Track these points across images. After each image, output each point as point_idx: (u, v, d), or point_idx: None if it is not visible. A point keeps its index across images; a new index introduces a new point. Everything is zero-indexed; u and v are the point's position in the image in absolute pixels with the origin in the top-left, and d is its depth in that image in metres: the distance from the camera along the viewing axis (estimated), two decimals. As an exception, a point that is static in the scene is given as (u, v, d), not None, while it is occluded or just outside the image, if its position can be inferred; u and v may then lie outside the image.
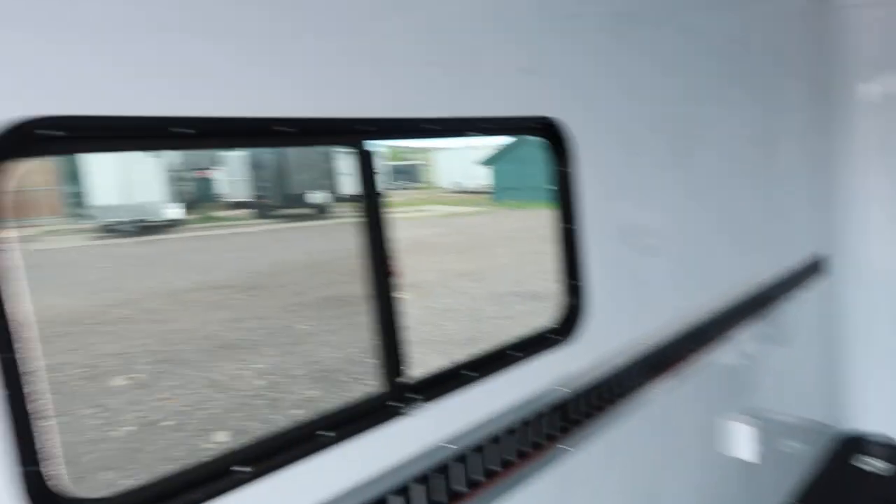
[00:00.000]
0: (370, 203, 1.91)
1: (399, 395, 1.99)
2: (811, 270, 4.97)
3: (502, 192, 23.44)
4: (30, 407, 1.25)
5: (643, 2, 3.05)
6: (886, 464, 5.21)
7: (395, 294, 1.99)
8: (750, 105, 4.13)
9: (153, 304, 11.98)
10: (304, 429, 1.77)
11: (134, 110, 1.41)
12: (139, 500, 1.44)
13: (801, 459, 4.91)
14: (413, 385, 2.03)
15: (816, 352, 5.30)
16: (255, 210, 20.43)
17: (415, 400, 2.01)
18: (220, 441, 7.09)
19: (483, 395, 2.23)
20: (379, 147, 1.90)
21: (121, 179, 17.54)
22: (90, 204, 17.60)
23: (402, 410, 1.98)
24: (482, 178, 25.62)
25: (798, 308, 4.70)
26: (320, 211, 20.09)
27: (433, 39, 2.12)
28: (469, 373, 2.20)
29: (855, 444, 5.52)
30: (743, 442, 3.71)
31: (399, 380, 1.99)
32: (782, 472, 4.60)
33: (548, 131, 2.49)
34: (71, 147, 1.40)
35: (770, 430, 4.09)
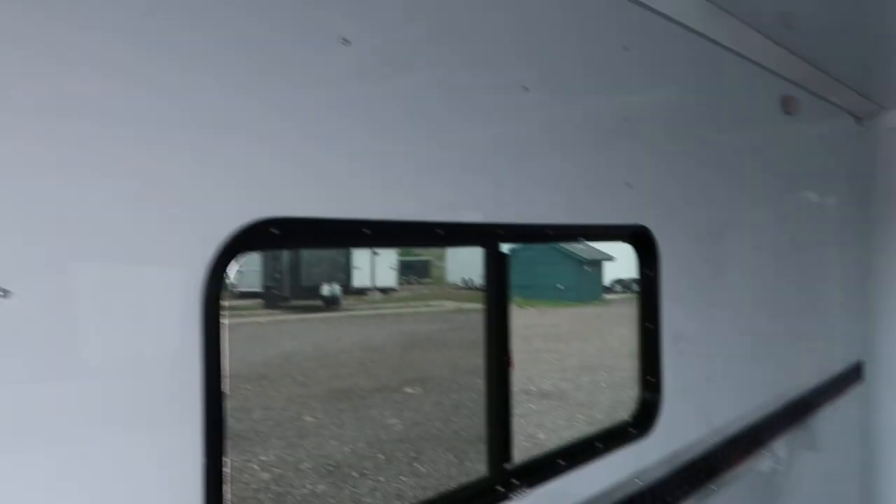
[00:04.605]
0: (499, 297, 2.08)
1: (504, 479, 2.07)
2: (850, 377, 5.05)
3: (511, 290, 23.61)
4: None
5: (713, 123, 3.34)
6: None
7: (508, 385, 2.11)
8: (801, 217, 4.41)
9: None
10: None
11: (328, 213, 1.60)
12: None
13: None
14: (516, 471, 2.11)
15: (853, 459, 5.27)
16: (265, 301, 20.57)
17: (518, 486, 2.09)
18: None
19: (572, 484, 2.31)
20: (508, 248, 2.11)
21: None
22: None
23: (508, 496, 2.05)
24: (490, 275, 25.77)
25: (836, 415, 4.73)
26: (331, 303, 20.22)
27: (555, 154, 2.35)
28: (561, 462, 2.28)
29: None
30: None
31: (505, 465, 2.08)
32: None
33: (638, 238, 2.71)
34: (283, 243, 1.56)
35: None
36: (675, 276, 2.84)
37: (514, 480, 2.07)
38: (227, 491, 1.37)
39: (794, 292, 4.26)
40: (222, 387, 1.37)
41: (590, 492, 2.38)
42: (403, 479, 8.21)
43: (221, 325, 1.39)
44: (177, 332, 1.35)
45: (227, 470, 1.39)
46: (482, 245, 2.05)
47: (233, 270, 1.40)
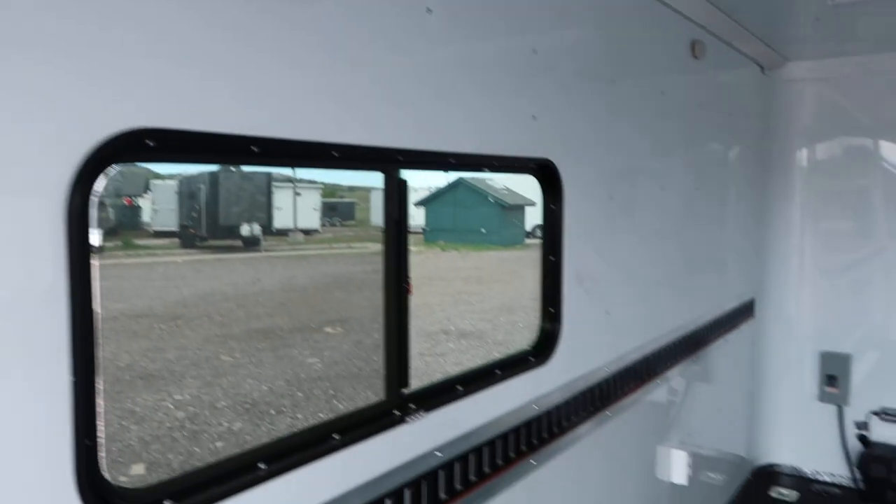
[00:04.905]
0: (398, 226, 2.06)
1: (401, 403, 2.11)
2: (743, 313, 5.38)
3: (434, 234, 23.75)
4: None
5: (623, 63, 3.39)
6: (794, 492, 5.62)
7: (406, 311, 2.12)
8: (703, 164, 4.57)
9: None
10: (318, 431, 1.87)
11: (214, 127, 1.53)
12: (171, 490, 1.48)
13: (723, 488, 5.20)
14: (413, 395, 2.15)
15: (742, 391, 5.67)
16: (182, 240, 19.87)
17: (415, 410, 2.13)
18: (137, 474, 6.79)
19: (470, 409, 2.38)
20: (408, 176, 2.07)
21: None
22: None
23: (404, 419, 2.09)
24: (415, 218, 25.88)
25: (728, 349, 5.05)
26: (251, 244, 19.73)
27: (460, 82, 2.33)
28: (459, 387, 2.34)
29: (769, 474, 5.92)
30: (675, 468, 3.98)
31: (403, 390, 2.12)
32: (707, 498, 4.87)
33: (543, 171, 2.74)
34: (161, 156, 1.49)
35: (698, 460, 4.37)
36: (578, 210, 2.92)
37: (410, 405, 2.11)
38: (100, 428, 1.32)
39: (695, 232, 4.46)
40: (93, 316, 1.30)
41: (488, 416, 2.46)
42: (322, 416, 8.29)
43: (91, 246, 1.31)
44: (38, 254, 1.25)
45: (100, 407, 1.33)
46: (381, 170, 2.03)
47: (100, 185, 1.32)
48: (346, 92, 1.88)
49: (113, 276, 16.70)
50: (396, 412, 2.07)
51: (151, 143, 1.39)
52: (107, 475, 1.33)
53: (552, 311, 2.82)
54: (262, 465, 1.63)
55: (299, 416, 8.37)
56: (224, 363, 10.21)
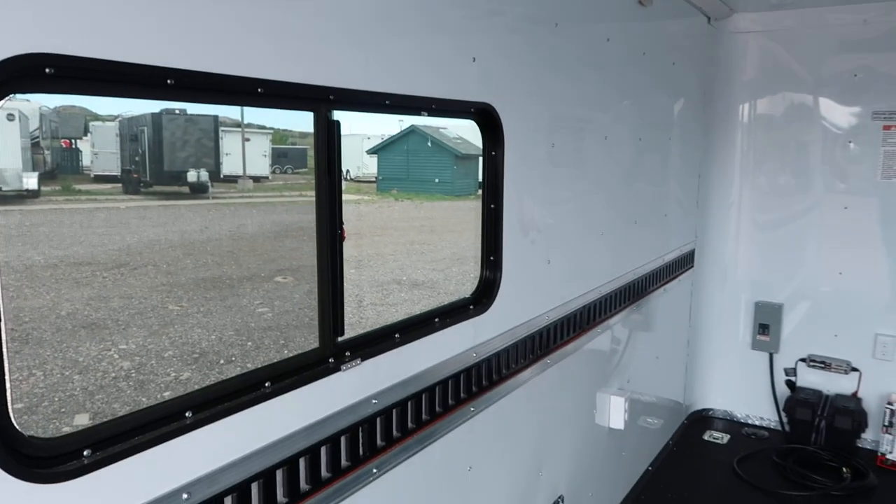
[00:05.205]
0: (329, 167, 1.98)
1: (335, 352, 2.08)
2: (683, 263, 5.52)
3: (387, 183, 23.52)
4: None
5: (567, 12, 3.30)
6: (726, 435, 5.92)
7: (340, 258, 2.07)
8: (646, 114, 4.55)
9: (2, 279, 11.03)
10: (248, 379, 1.82)
11: (124, 57, 1.40)
12: (92, 440, 1.43)
13: (659, 432, 5.43)
14: (348, 343, 2.12)
15: (679, 337, 5.87)
16: (125, 185, 19.22)
17: (350, 358, 2.11)
18: (79, 425, 6.70)
19: (408, 357, 2.38)
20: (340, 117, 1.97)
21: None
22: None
23: (339, 367, 2.06)
24: (368, 167, 25.51)
25: (668, 297, 5.19)
26: (198, 190, 19.22)
27: (399, 18, 2.23)
28: (397, 335, 2.33)
29: (703, 419, 6.20)
30: (614, 414, 4.12)
31: (338, 338, 2.08)
32: (644, 442, 5.07)
33: (483, 116, 2.68)
34: (62, 87, 1.34)
35: (636, 406, 4.52)
36: (520, 158, 2.88)
37: (346, 353, 2.10)
38: (6, 376, 1.27)
39: (638, 183, 4.50)
40: None
41: (426, 364, 2.48)
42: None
43: None
44: None
45: (4, 355, 1.27)
46: (311, 110, 1.94)
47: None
48: (274, 24, 1.77)
49: (52, 221, 16.11)
50: (331, 360, 2.05)
51: (51, 72, 1.28)
52: (16, 425, 1.29)
53: (492, 259, 2.81)
54: (188, 414, 1.61)
55: (249, 365, 8.34)
56: (171, 312, 10.05)
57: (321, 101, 1.93)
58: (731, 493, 5.03)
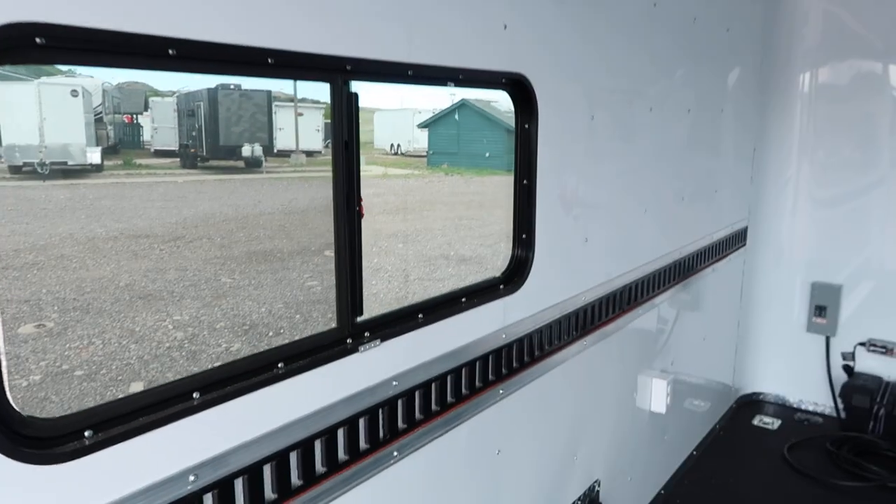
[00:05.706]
0: (347, 141, 1.88)
1: (354, 332, 2.01)
2: (735, 241, 5.28)
3: (437, 157, 23.44)
4: None
5: None
6: (777, 420, 5.69)
7: (359, 236, 1.98)
8: (697, 84, 4.29)
9: (66, 250, 11.48)
10: (260, 360, 1.77)
11: (122, 26, 1.34)
12: (94, 420, 1.41)
13: (706, 415, 5.25)
14: (368, 324, 2.05)
15: (729, 318, 5.65)
16: (182, 160, 19.74)
17: (369, 339, 2.04)
18: (135, 392, 6.94)
19: (432, 338, 2.29)
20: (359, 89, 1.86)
21: (35, 117, 16.53)
22: (-1, 143, 16.57)
23: (356, 347, 2.00)
24: (419, 142, 25.42)
25: (719, 277, 4.98)
26: (252, 164, 19.59)
27: None
28: (420, 315, 2.24)
29: (753, 403, 5.98)
30: (656, 396, 3.98)
31: (356, 318, 2.01)
32: (688, 426, 4.91)
33: (515, 87, 2.52)
34: (55, 57, 1.29)
35: (681, 388, 4.35)
36: (555, 131, 2.73)
37: (365, 334, 2.03)
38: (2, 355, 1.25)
39: (687, 157, 4.29)
40: None
41: (451, 345, 2.39)
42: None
43: None
44: None
45: None
46: (327, 80, 1.82)
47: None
48: None
49: (114, 195, 16.67)
50: (349, 341, 1.99)
51: (41, 42, 1.23)
52: (14, 404, 1.28)
53: (524, 237, 2.70)
54: (196, 395, 1.59)
55: (297, 338, 8.47)
56: (224, 285, 10.29)
57: (337, 71, 1.83)
58: (779, 481, 4.84)
